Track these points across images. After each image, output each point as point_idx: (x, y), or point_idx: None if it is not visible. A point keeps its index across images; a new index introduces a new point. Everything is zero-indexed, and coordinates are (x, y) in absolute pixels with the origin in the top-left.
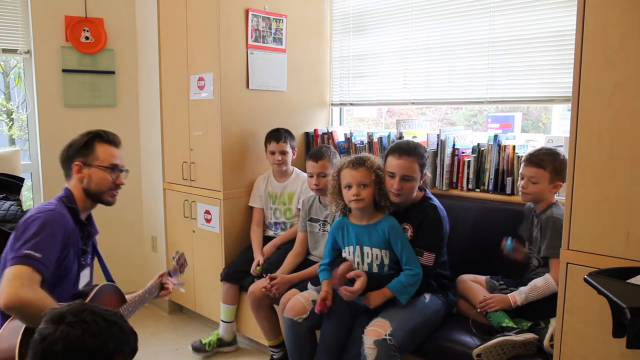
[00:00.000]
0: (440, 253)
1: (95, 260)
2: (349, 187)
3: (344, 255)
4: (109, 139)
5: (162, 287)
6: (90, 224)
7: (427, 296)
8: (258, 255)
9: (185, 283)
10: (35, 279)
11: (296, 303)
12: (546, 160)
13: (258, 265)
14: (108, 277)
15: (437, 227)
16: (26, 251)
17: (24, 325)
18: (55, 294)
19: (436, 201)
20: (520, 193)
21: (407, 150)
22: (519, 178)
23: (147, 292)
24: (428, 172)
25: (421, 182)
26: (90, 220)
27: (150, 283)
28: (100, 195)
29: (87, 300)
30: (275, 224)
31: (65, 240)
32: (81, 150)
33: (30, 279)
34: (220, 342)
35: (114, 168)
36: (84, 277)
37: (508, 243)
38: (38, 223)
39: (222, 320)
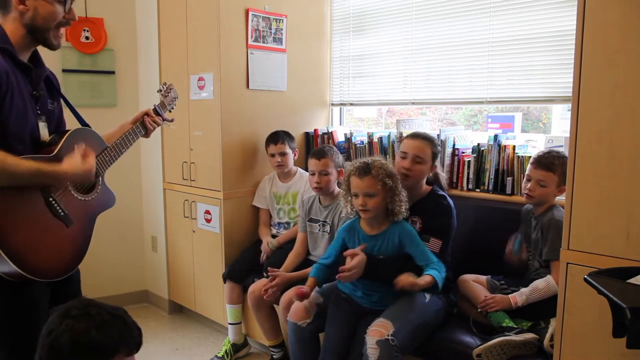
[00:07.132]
0: (447, 242)
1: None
2: (356, 195)
3: None
4: None
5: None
6: (37, 64)
7: (427, 295)
8: (268, 238)
9: (175, 119)
10: None
11: (299, 307)
12: (557, 164)
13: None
14: (82, 122)
15: (446, 214)
16: None
17: None
18: (11, 148)
19: (444, 193)
20: (523, 195)
21: (423, 135)
22: (525, 179)
23: (131, 134)
24: (441, 171)
25: (430, 173)
26: (37, 60)
27: (132, 123)
28: (46, 33)
29: (57, 149)
30: (279, 224)
31: None
32: None
33: None
34: (235, 348)
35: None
36: (45, 128)
37: (516, 246)
38: None
39: (230, 323)
